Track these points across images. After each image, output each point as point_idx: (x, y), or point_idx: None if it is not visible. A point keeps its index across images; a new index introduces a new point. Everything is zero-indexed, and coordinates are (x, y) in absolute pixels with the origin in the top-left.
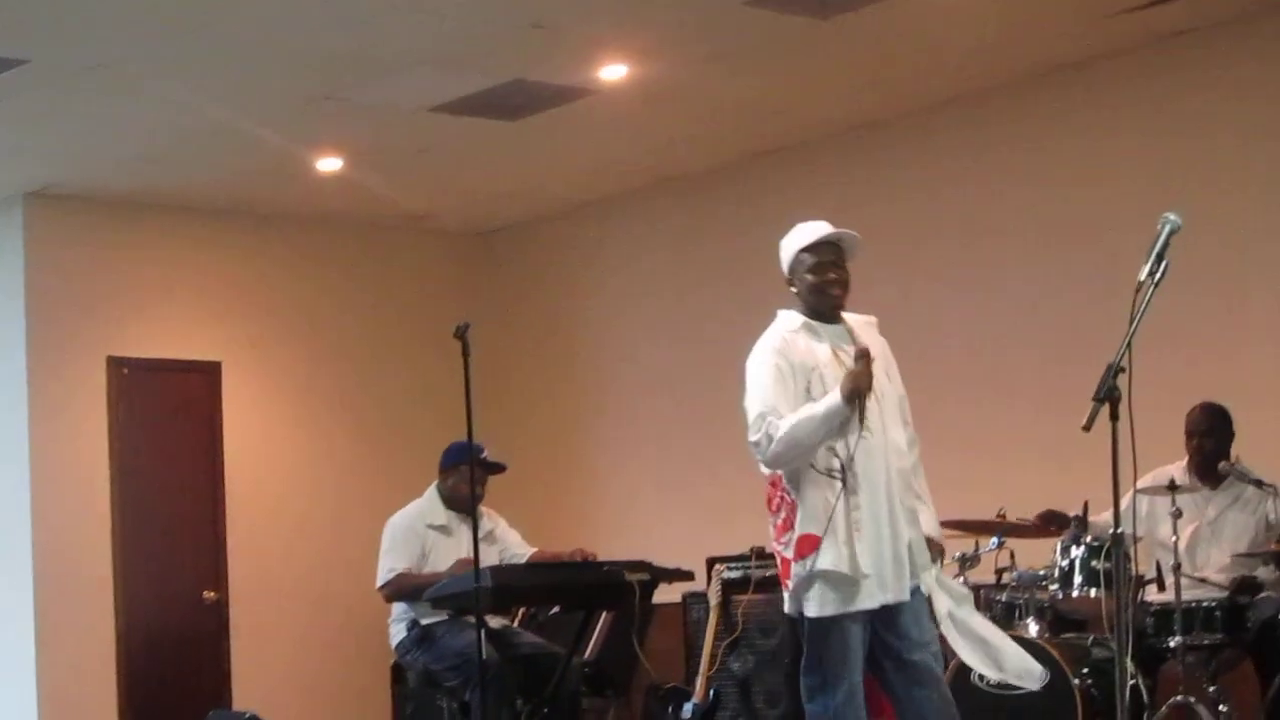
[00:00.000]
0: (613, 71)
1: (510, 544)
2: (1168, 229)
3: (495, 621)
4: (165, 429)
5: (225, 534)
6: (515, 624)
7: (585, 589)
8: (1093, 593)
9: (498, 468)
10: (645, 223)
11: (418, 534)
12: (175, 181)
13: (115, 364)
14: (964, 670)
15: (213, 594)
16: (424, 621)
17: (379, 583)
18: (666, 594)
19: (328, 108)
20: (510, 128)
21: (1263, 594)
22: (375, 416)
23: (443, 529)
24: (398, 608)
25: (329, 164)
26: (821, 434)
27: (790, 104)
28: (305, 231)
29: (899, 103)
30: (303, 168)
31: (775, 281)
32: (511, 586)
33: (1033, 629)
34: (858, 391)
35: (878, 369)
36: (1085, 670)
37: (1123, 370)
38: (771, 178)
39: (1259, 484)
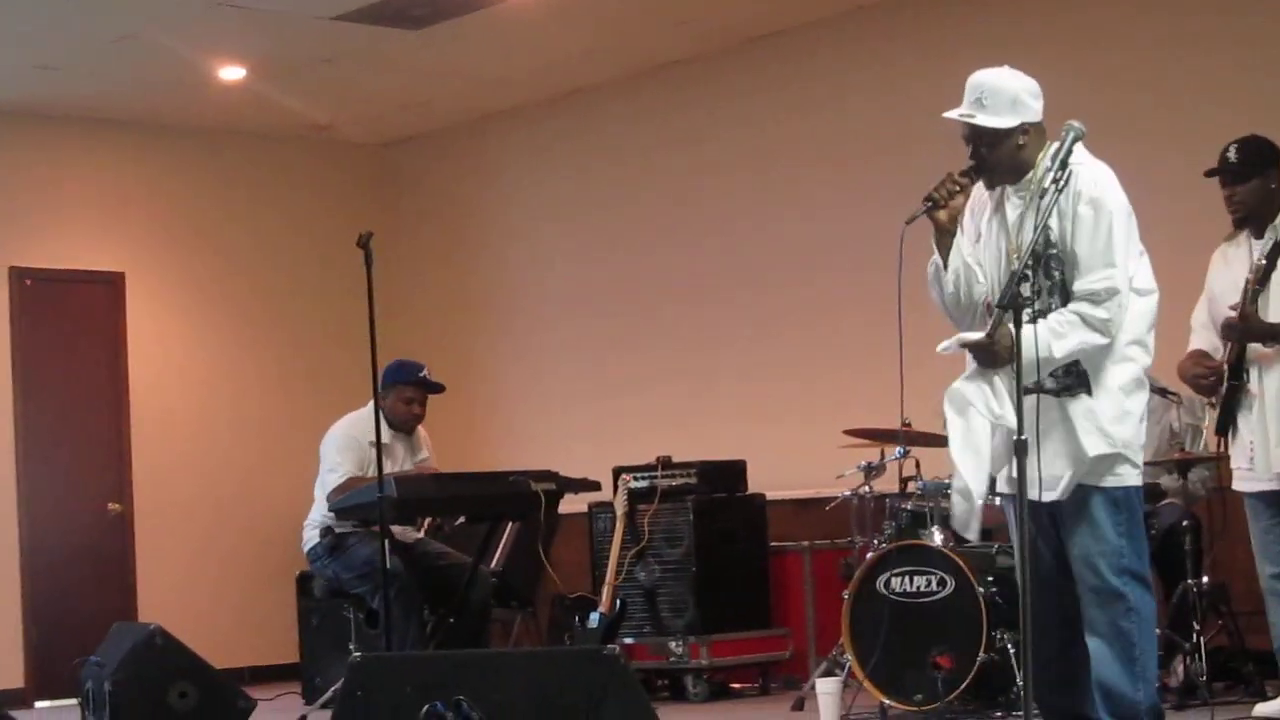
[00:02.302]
0: None
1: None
2: (1071, 135)
3: (408, 535)
4: (68, 340)
5: (129, 446)
6: (421, 534)
7: (490, 499)
8: (997, 501)
9: (437, 388)
10: (548, 137)
11: (360, 444)
12: (75, 91)
13: (17, 275)
14: (871, 578)
15: (117, 506)
16: (337, 530)
17: (330, 486)
18: (573, 504)
19: (230, 14)
20: (413, 37)
21: (1165, 501)
22: (277, 328)
23: (383, 447)
24: (314, 513)
25: (231, 73)
26: None
27: (693, 14)
28: (208, 143)
29: (794, 14)
30: (205, 77)
31: (675, 196)
32: (416, 497)
33: (938, 538)
34: None
35: None
36: (990, 579)
37: (1026, 278)
38: (674, 92)
39: (1163, 393)
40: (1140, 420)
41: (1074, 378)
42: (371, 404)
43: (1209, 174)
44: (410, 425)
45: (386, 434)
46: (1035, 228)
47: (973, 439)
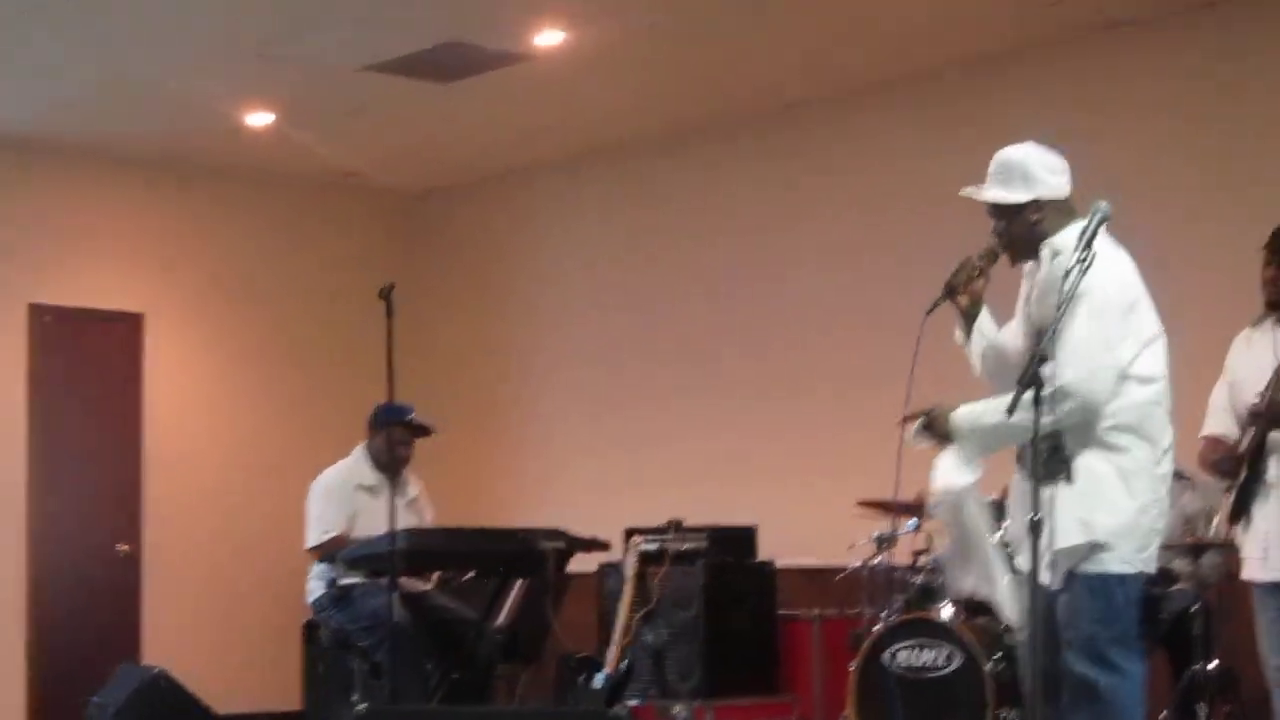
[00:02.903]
0: (549, 37)
1: (427, 520)
2: (1099, 216)
3: (416, 586)
4: (85, 379)
5: (141, 487)
6: (429, 587)
7: (500, 555)
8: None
9: (424, 430)
10: (577, 191)
11: (347, 494)
12: (103, 130)
13: (37, 311)
14: (878, 650)
15: (126, 547)
16: (342, 581)
17: (312, 542)
18: (583, 564)
19: (258, 62)
20: (443, 90)
21: (1177, 586)
22: (297, 375)
23: (371, 490)
24: (318, 566)
25: (259, 119)
26: None
27: (726, 75)
28: (233, 186)
29: (832, 82)
30: (232, 122)
31: (705, 252)
32: (426, 550)
33: (947, 612)
34: None
35: None
36: (998, 655)
37: (1045, 359)
38: (705, 149)
39: (1178, 476)
40: (1142, 511)
41: (1057, 464)
42: (356, 451)
43: (1266, 247)
44: (397, 467)
45: (373, 477)
46: (1058, 307)
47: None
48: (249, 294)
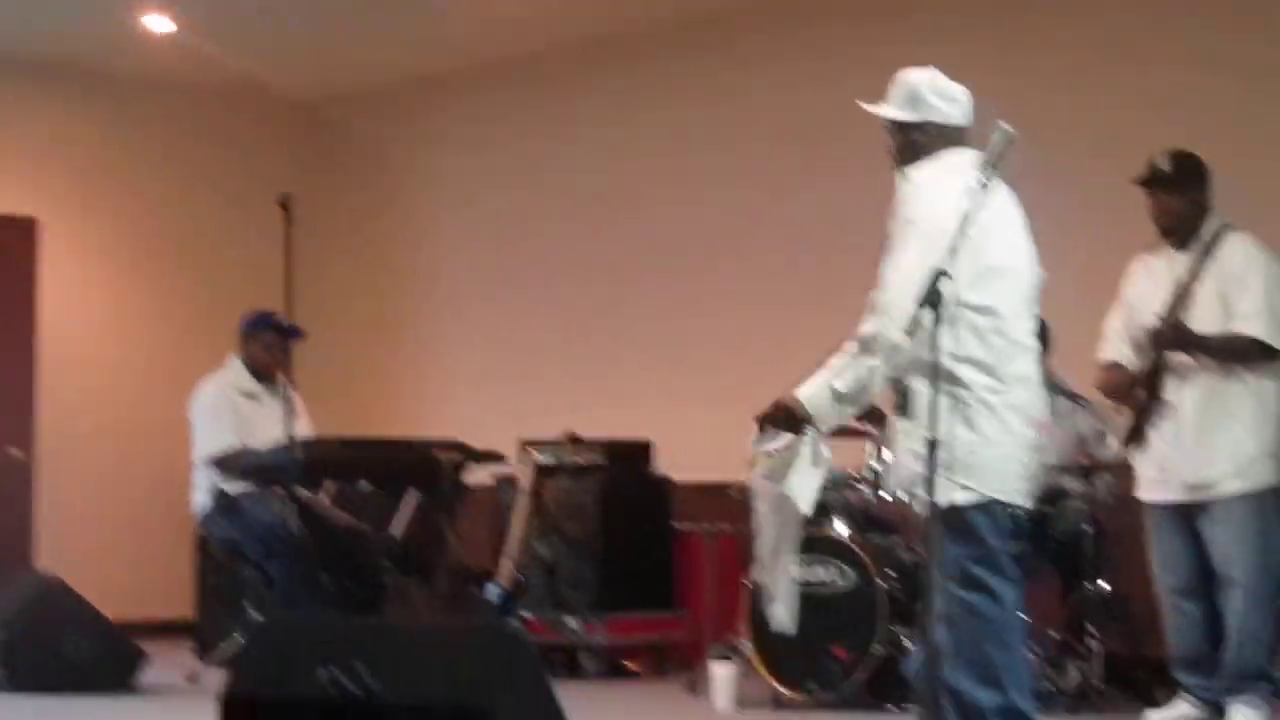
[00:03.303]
0: None
1: (302, 426)
2: (1003, 139)
3: (304, 495)
4: None
5: (34, 392)
6: (325, 498)
7: (395, 466)
8: (904, 497)
9: (296, 332)
10: (479, 106)
11: (231, 401)
12: None
13: None
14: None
15: (19, 452)
16: (230, 491)
17: (210, 451)
18: (479, 476)
19: None
20: None
21: (1069, 504)
22: (193, 283)
23: (251, 396)
24: (202, 476)
25: (159, 23)
26: None
27: None
28: (132, 92)
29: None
30: (131, 26)
31: (600, 174)
32: (323, 461)
33: (842, 529)
34: None
35: None
36: (891, 572)
37: (948, 275)
38: (611, 68)
39: (1072, 397)
40: (986, 442)
41: (899, 396)
42: (232, 361)
43: (1140, 183)
44: (273, 372)
45: (252, 384)
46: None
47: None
48: (145, 201)
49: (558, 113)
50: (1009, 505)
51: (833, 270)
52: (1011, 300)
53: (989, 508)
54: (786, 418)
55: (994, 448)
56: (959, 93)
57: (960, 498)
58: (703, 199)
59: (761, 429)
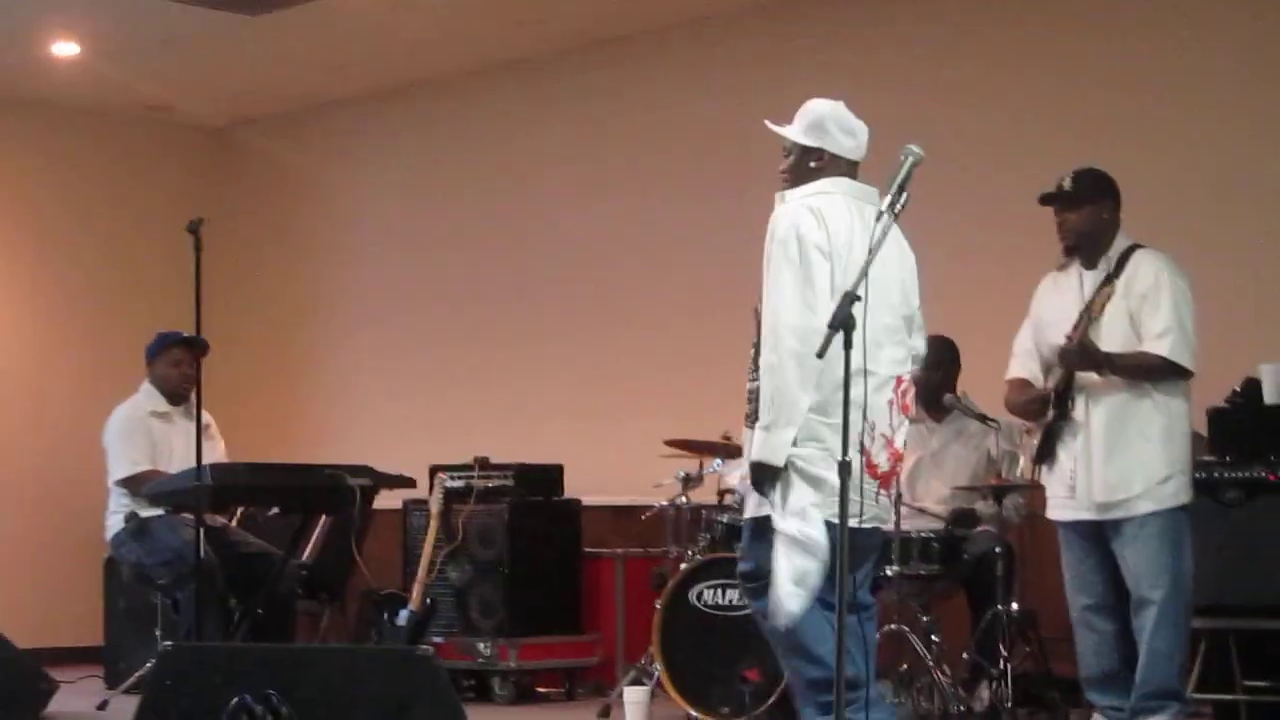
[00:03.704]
0: None
1: (218, 450)
2: (910, 160)
3: (214, 521)
4: None
5: None
6: (234, 523)
7: (305, 491)
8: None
9: (201, 345)
10: (385, 128)
11: (144, 424)
12: None
13: None
14: (684, 589)
15: None
16: (142, 514)
17: (123, 474)
18: (388, 500)
19: None
20: (254, 22)
21: (979, 527)
22: (99, 311)
23: (164, 417)
24: (115, 499)
25: (65, 49)
26: None
27: (532, 13)
28: (39, 117)
29: (635, 21)
30: (38, 51)
31: (502, 193)
32: (232, 485)
33: None
34: None
35: None
36: None
37: (858, 299)
38: (514, 89)
39: (983, 419)
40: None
41: (754, 409)
42: (144, 385)
43: (1043, 200)
44: (184, 389)
45: (165, 405)
46: (871, 251)
47: None
48: (49, 228)
49: (460, 134)
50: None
51: (745, 286)
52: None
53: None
54: (767, 477)
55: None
56: (859, 129)
57: (752, 509)
58: (607, 217)
59: (762, 490)
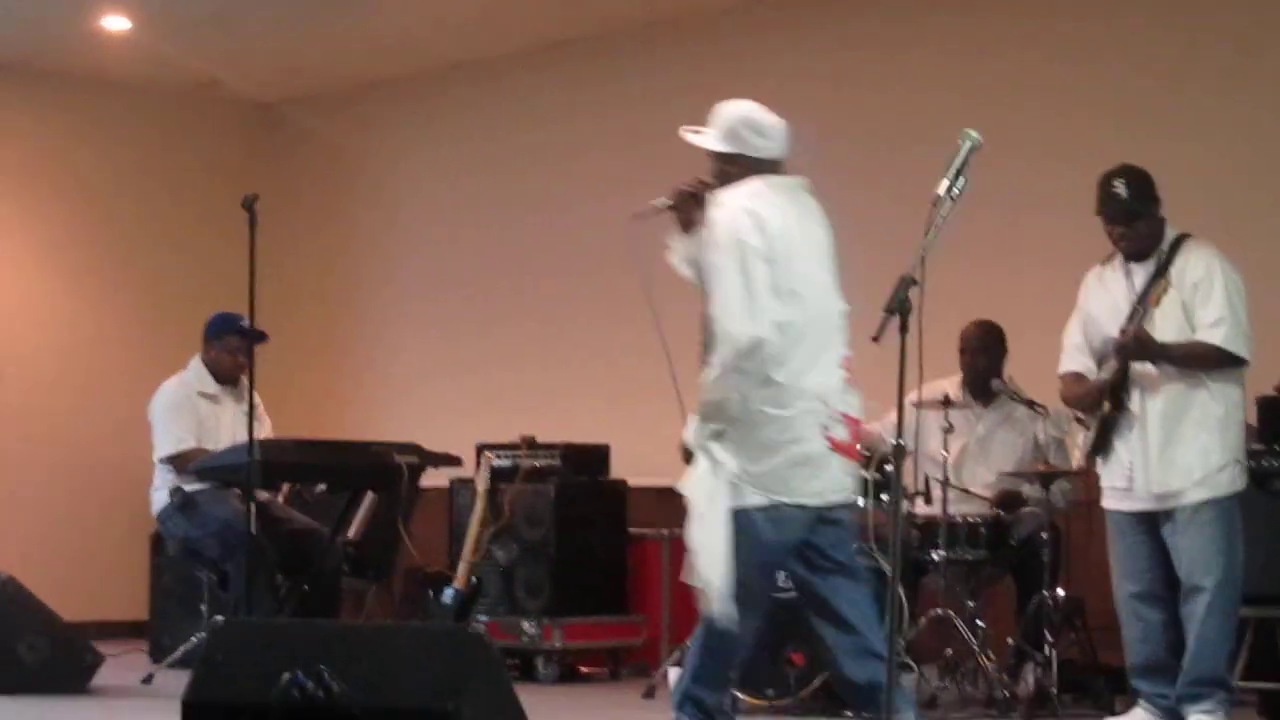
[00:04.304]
0: None
1: (264, 430)
2: (968, 145)
3: (260, 496)
4: None
5: None
6: (281, 500)
7: (352, 468)
8: (860, 502)
9: (259, 336)
10: (434, 108)
11: (191, 402)
12: None
13: None
14: None
15: None
16: (187, 489)
17: (166, 452)
18: (435, 479)
19: None
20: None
21: (1025, 510)
22: (149, 285)
23: (212, 398)
24: (161, 475)
25: (116, 23)
26: None
27: None
28: (90, 92)
29: (687, 3)
30: (89, 26)
31: (563, 175)
32: (281, 462)
33: None
34: None
35: None
36: None
37: (915, 283)
38: (564, 67)
39: (1030, 404)
40: (766, 447)
41: None
42: (194, 362)
43: (1099, 213)
44: (235, 375)
45: (214, 386)
46: (929, 233)
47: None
48: (100, 202)
49: (508, 114)
50: (801, 506)
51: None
52: (810, 316)
53: (775, 510)
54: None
55: (780, 455)
56: (774, 128)
57: (749, 502)
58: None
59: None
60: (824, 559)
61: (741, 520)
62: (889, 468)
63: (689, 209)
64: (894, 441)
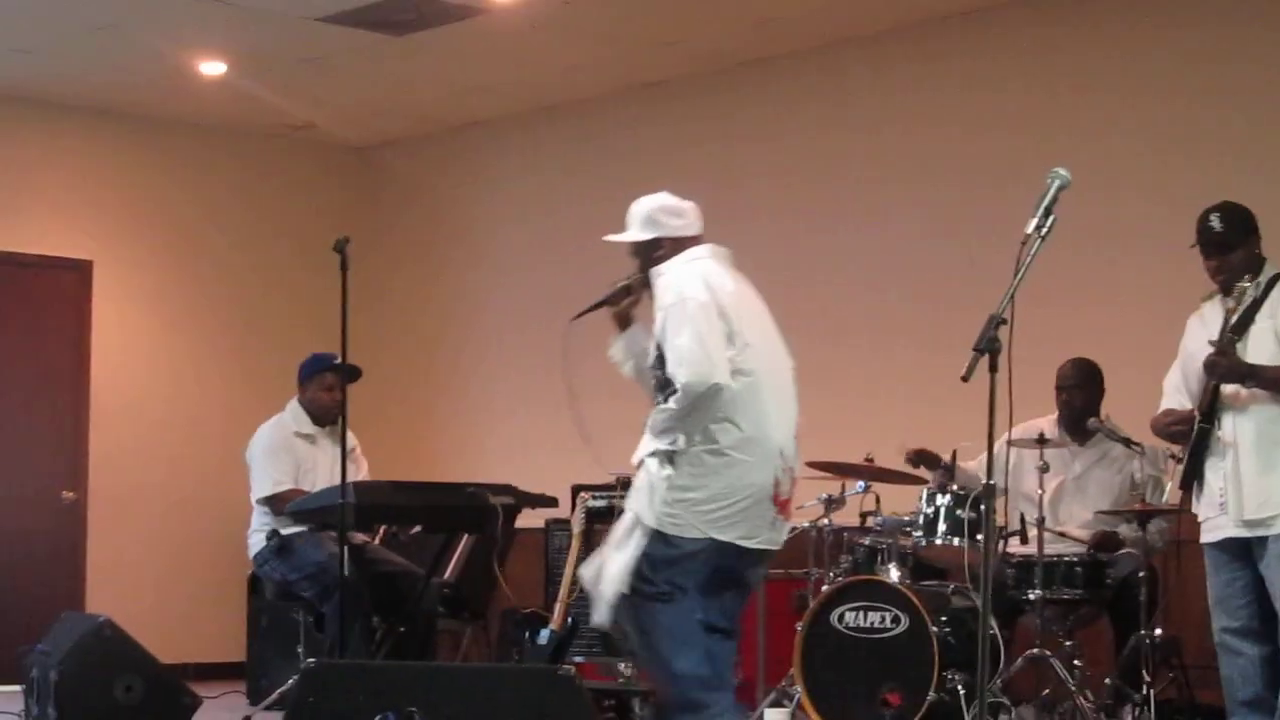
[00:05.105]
0: None
1: (362, 472)
2: (1057, 184)
3: (356, 538)
4: (32, 325)
5: (88, 435)
6: (376, 542)
7: (448, 510)
8: (955, 541)
9: (353, 371)
10: (527, 149)
11: (289, 444)
12: (53, 76)
13: None
14: (825, 611)
15: (71, 494)
16: (284, 532)
17: (264, 493)
18: (530, 519)
19: (213, 9)
20: (398, 42)
21: (1123, 551)
22: (245, 327)
23: (310, 439)
24: (258, 518)
25: (212, 68)
26: None
27: (680, 36)
28: (185, 136)
29: (788, 41)
30: (185, 70)
31: None
32: (375, 504)
33: (894, 574)
34: None
35: None
36: (944, 618)
37: (1004, 322)
38: (657, 110)
39: (1127, 443)
40: (719, 488)
41: None
42: (291, 404)
43: (1194, 245)
44: (333, 414)
45: (311, 428)
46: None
47: None
48: (199, 244)
49: (597, 154)
50: (733, 546)
51: (885, 312)
52: (766, 368)
53: (707, 544)
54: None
55: (731, 498)
56: (687, 209)
57: (676, 531)
58: (746, 238)
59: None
60: (723, 619)
61: (673, 545)
62: (983, 507)
63: (625, 306)
64: (986, 481)
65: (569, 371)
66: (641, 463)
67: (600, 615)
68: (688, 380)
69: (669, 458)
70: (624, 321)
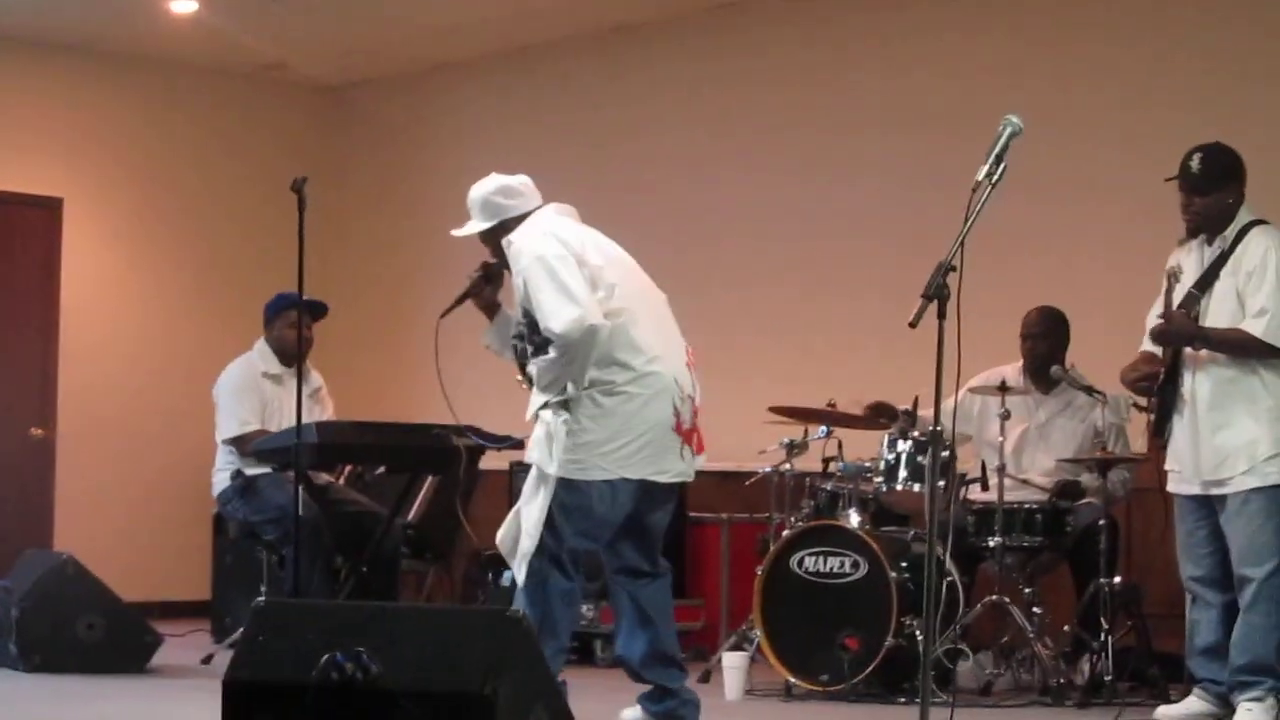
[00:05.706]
0: None
1: (328, 412)
2: (1009, 131)
3: (319, 479)
4: (2, 263)
5: (56, 372)
6: (340, 482)
7: (411, 451)
8: (916, 487)
9: (319, 308)
10: (499, 90)
11: (256, 384)
12: (21, 13)
13: None
14: (785, 556)
15: (40, 431)
16: (248, 472)
17: (230, 434)
18: (495, 461)
19: None
20: None
21: (1084, 500)
22: (214, 265)
23: (276, 379)
24: (223, 457)
25: (183, 5)
26: None
27: None
28: (157, 74)
29: None
30: (156, 8)
31: (626, 158)
32: (337, 444)
33: (854, 520)
34: None
35: None
36: (904, 564)
37: (953, 269)
38: (629, 53)
39: (1090, 391)
40: (618, 425)
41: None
42: (258, 344)
43: (1171, 180)
44: (302, 352)
45: (278, 367)
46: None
47: None
48: (169, 182)
49: (570, 98)
50: (640, 482)
51: (850, 258)
52: (639, 305)
53: (614, 485)
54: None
55: (631, 434)
56: (521, 185)
57: (582, 476)
58: (715, 184)
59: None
60: (645, 561)
61: (581, 491)
62: (946, 453)
63: (487, 294)
64: (932, 428)
65: (440, 366)
66: (536, 416)
67: (520, 573)
68: (562, 330)
69: (563, 405)
70: (491, 310)
